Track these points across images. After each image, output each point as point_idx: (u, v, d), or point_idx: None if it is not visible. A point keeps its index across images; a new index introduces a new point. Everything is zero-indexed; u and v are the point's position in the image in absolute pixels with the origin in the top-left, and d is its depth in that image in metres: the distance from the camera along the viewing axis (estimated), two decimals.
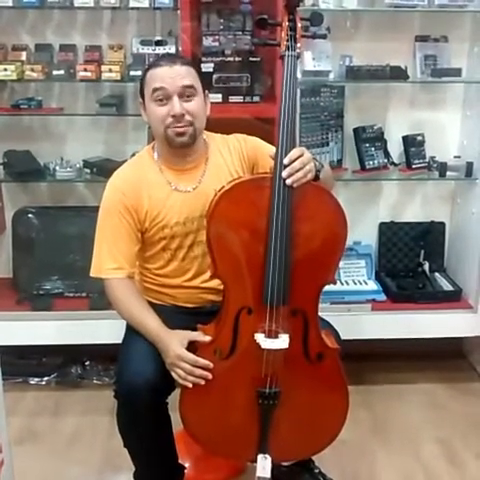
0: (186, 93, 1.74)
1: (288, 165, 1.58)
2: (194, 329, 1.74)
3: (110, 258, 1.79)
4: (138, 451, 1.79)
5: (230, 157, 1.87)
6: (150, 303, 1.88)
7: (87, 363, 2.69)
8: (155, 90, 1.73)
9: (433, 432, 2.38)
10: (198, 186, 1.82)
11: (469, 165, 2.55)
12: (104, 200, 1.82)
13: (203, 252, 1.83)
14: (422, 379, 2.72)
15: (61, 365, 2.68)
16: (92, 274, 1.82)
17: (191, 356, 1.64)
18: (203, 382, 1.64)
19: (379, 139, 2.61)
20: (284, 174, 1.58)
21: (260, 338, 1.61)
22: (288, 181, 1.57)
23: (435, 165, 2.60)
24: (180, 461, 1.95)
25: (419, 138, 2.64)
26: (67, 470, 2.16)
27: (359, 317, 2.52)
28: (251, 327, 1.63)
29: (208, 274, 1.84)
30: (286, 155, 1.59)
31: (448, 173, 2.60)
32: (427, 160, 2.64)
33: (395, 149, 2.67)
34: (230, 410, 1.70)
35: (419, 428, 2.42)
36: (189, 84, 1.74)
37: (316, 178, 1.64)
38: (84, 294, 2.56)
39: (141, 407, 1.66)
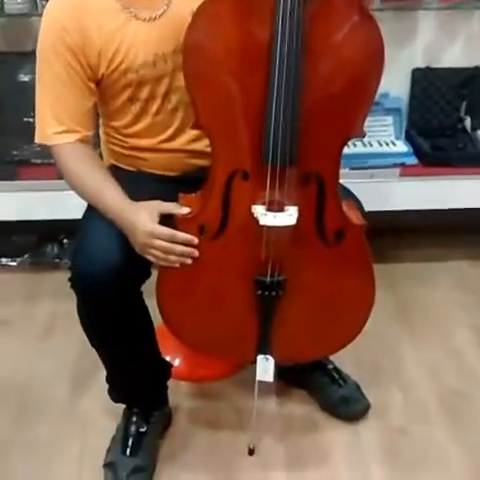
0: None
1: None
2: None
3: (55, 119, 1.35)
4: (108, 353, 1.45)
5: None
6: (119, 169, 1.49)
7: (65, 241, 2.32)
8: None
9: (465, 318, 2.04)
10: (167, 9, 1.32)
11: None
12: (40, 41, 1.33)
13: (184, 102, 1.37)
14: (452, 257, 2.35)
15: (35, 244, 2.31)
16: (36, 141, 1.39)
17: (166, 230, 1.25)
18: (189, 261, 1.26)
19: None
20: None
21: (259, 211, 1.20)
22: None
23: None
24: (168, 356, 1.64)
25: None
26: (40, 363, 1.86)
27: (385, 185, 2.09)
28: (247, 197, 1.22)
29: (193, 132, 1.40)
30: None
31: None
32: None
33: None
34: (221, 302, 1.33)
35: (449, 314, 2.07)
36: None
37: None
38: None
39: (104, 300, 1.30)
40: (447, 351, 1.89)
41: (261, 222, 1.19)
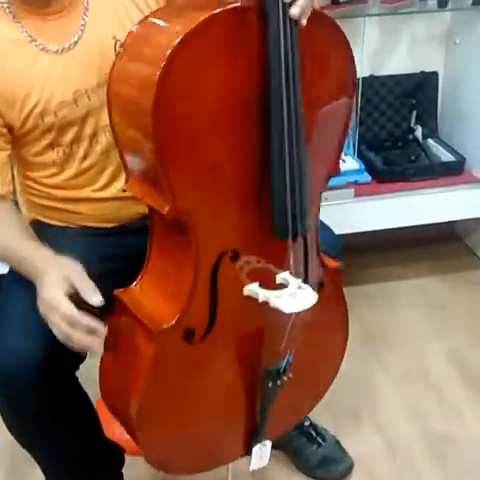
0: None
1: None
2: (123, 259, 1.14)
3: None
4: (42, 454, 1.21)
5: None
6: (42, 225, 1.25)
7: None
8: None
9: (438, 343, 1.90)
10: (81, 35, 1.10)
11: None
12: None
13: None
14: (413, 273, 2.21)
15: None
16: None
17: (66, 309, 0.94)
18: (100, 349, 0.98)
19: None
20: None
21: (273, 298, 0.96)
22: (294, 11, 0.87)
23: None
24: (117, 432, 1.38)
25: None
26: None
27: (340, 207, 1.92)
28: (238, 278, 0.98)
29: None
30: None
31: None
32: None
33: None
34: (215, 411, 1.09)
35: (419, 338, 1.92)
36: None
37: None
38: None
39: (28, 401, 1.05)
40: (425, 385, 1.74)
41: (287, 310, 0.94)
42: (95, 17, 1.09)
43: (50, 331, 1.02)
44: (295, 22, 0.88)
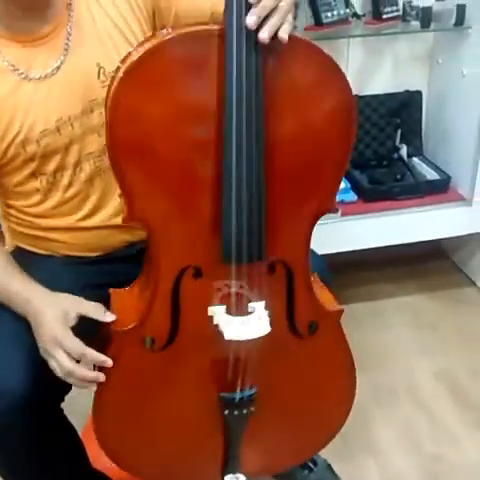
0: None
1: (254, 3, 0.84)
2: (109, 286, 1.11)
3: None
4: None
5: (112, 4, 1.10)
6: (25, 253, 1.23)
7: None
8: None
9: (427, 362, 1.89)
10: (64, 61, 1.08)
11: (460, 9, 1.89)
12: None
13: (98, 169, 1.15)
14: (401, 291, 2.21)
15: None
16: None
17: (75, 344, 0.98)
18: (94, 388, 1.01)
19: None
20: (249, 21, 0.84)
21: (221, 319, 0.96)
22: (262, 35, 0.85)
23: (414, 12, 1.93)
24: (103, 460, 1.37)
25: None
26: None
27: (327, 227, 1.90)
28: (202, 298, 0.98)
29: (115, 204, 1.17)
30: None
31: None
32: (401, 7, 1.95)
33: None
34: (176, 425, 1.08)
35: (408, 357, 1.92)
36: None
37: None
38: None
39: (13, 435, 1.02)
40: (415, 405, 1.74)
41: (227, 336, 0.94)
42: (78, 44, 1.08)
43: (33, 365, 1.01)
44: (256, 42, 0.85)
